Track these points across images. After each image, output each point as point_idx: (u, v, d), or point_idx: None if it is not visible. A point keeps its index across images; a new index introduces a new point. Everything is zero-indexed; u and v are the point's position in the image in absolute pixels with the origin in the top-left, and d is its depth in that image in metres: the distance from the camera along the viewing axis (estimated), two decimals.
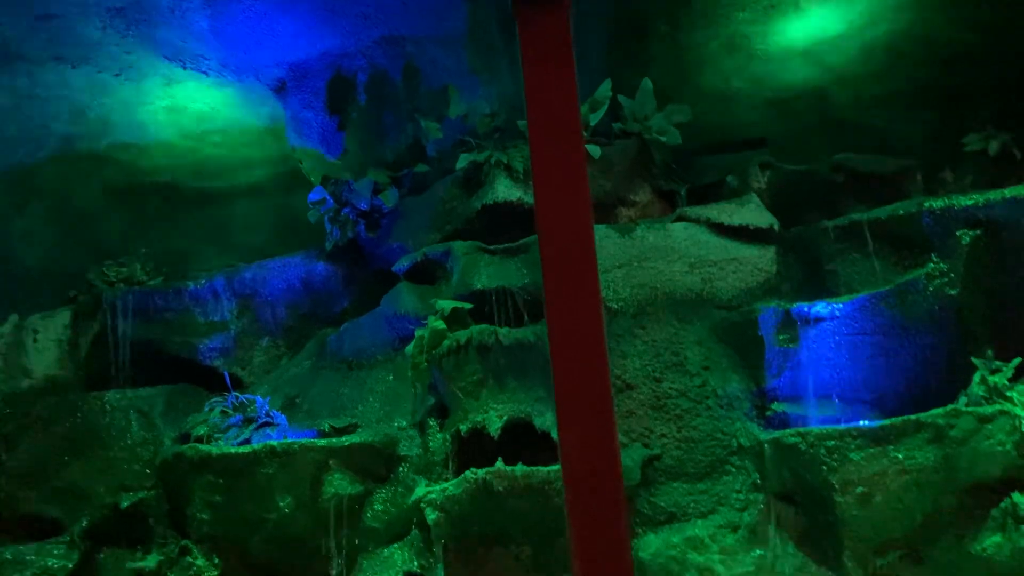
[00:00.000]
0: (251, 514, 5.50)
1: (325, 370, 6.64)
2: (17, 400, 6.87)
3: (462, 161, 6.41)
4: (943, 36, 6.70)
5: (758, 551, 5.03)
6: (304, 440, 5.55)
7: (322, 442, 5.52)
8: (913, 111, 7.53)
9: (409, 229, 6.67)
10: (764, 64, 6.94)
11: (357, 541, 5.46)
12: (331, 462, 5.47)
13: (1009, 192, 5.34)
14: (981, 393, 4.90)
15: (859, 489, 4.85)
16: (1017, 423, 4.72)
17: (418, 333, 5.73)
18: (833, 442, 4.93)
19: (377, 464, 5.58)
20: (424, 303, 6.15)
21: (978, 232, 5.32)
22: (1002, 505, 4.78)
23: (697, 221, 6.18)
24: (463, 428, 5.36)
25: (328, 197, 6.80)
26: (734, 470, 5.28)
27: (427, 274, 6.38)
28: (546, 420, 5.43)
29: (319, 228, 7.90)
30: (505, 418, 5.30)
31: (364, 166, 7.26)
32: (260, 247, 8.26)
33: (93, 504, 6.11)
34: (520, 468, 5.14)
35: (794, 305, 5.45)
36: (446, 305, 5.57)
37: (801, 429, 5.07)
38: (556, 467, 5.20)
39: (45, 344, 7.29)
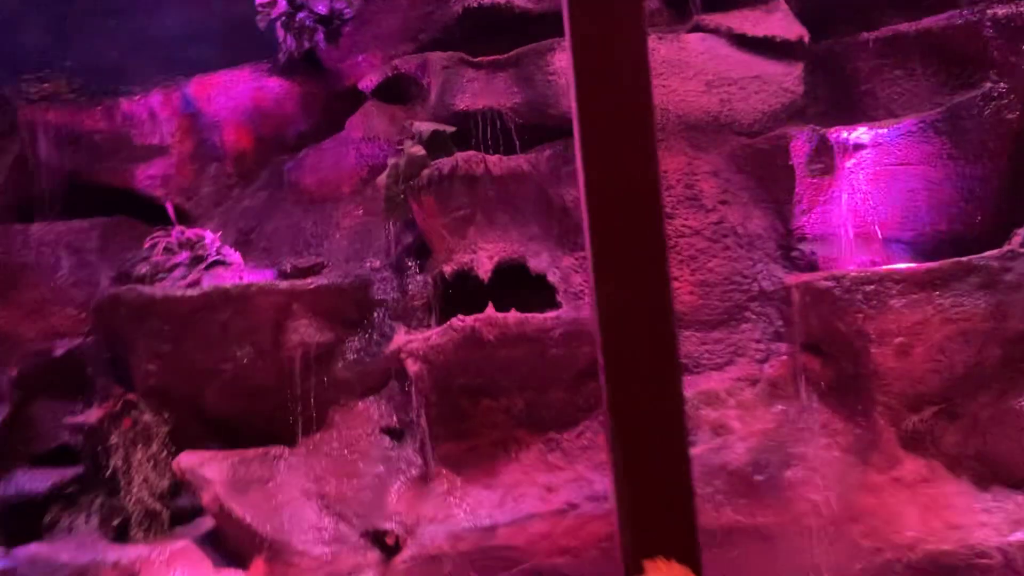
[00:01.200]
0: (204, 364, 4.84)
1: (284, 203, 5.83)
2: None
3: None
4: None
5: (779, 406, 4.52)
6: (263, 282, 4.81)
7: (283, 284, 4.79)
8: None
9: (377, 38, 5.69)
10: None
11: (328, 394, 4.84)
12: (295, 306, 4.77)
13: None
14: None
15: (898, 339, 4.29)
16: None
17: (391, 161, 4.92)
18: (872, 287, 4.33)
19: (348, 309, 4.90)
20: (397, 126, 5.30)
21: None
22: None
23: (716, 31, 5.31)
24: (447, 270, 4.65)
25: None
26: (754, 317, 4.69)
27: (400, 92, 5.48)
28: (541, 261, 4.75)
29: (271, 37, 6.85)
30: (496, 259, 4.60)
31: None
32: (206, 62, 7.19)
33: (22, 351, 5.39)
34: (513, 315, 4.49)
35: (831, 130, 4.70)
36: (424, 128, 4.73)
37: (836, 272, 4.46)
38: (552, 313, 4.56)
39: None
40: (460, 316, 4.48)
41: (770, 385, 4.56)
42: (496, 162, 4.61)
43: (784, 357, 4.61)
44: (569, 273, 4.82)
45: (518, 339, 4.53)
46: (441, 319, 4.73)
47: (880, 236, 4.77)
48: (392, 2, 5.71)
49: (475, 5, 5.26)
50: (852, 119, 5.09)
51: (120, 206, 6.02)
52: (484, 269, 4.57)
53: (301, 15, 5.87)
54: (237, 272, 5.23)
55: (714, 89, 5.18)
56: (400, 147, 5.08)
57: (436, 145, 4.72)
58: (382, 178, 4.94)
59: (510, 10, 5.31)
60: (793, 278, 4.64)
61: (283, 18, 5.86)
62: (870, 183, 4.74)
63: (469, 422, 4.66)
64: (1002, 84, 4.71)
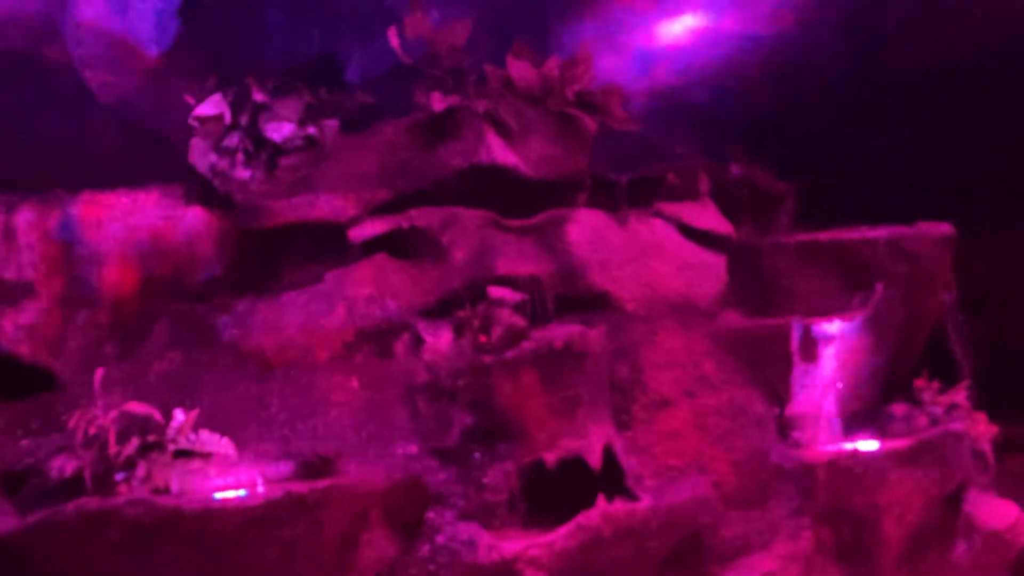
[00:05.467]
0: None
1: (217, 369, 4.51)
2: None
3: (438, 102, 4.91)
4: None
5: None
6: (344, 484, 3.67)
7: (362, 486, 3.71)
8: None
9: (343, 179, 4.88)
10: None
11: None
12: (372, 514, 3.71)
13: None
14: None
15: (897, 509, 4.96)
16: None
17: (452, 328, 4.24)
18: (878, 463, 4.97)
19: (417, 510, 3.96)
20: (415, 285, 4.57)
21: None
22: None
23: (669, 219, 5.70)
24: (550, 458, 4.10)
25: (227, 112, 4.60)
26: (777, 495, 4.97)
27: (399, 246, 4.75)
28: (616, 444, 4.47)
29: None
30: (602, 443, 4.21)
31: (202, 77, 5.11)
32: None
33: None
34: (621, 507, 4.15)
35: (813, 321, 5.34)
36: (507, 296, 4.21)
37: (850, 451, 5.01)
38: (648, 504, 4.32)
39: None
40: (585, 513, 3.97)
41: (806, 561, 4.85)
42: (595, 337, 4.28)
43: (807, 531, 4.94)
44: (626, 454, 4.61)
45: (626, 534, 4.17)
46: (528, 515, 4.13)
47: (836, 415, 5.48)
48: (363, 142, 5.00)
49: (487, 163, 4.90)
50: (771, 310, 5.82)
51: None
52: (596, 456, 4.15)
53: (233, 137, 4.77)
54: (226, 466, 3.87)
55: (682, 273, 5.54)
56: (425, 314, 4.42)
57: (521, 315, 4.22)
58: (438, 349, 4.20)
59: (514, 174, 5.06)
60: (811, 456, 5.06)
61: (216, 138, 4.68)
62: (836, 368, 5.45)
63: None
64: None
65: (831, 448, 5.11)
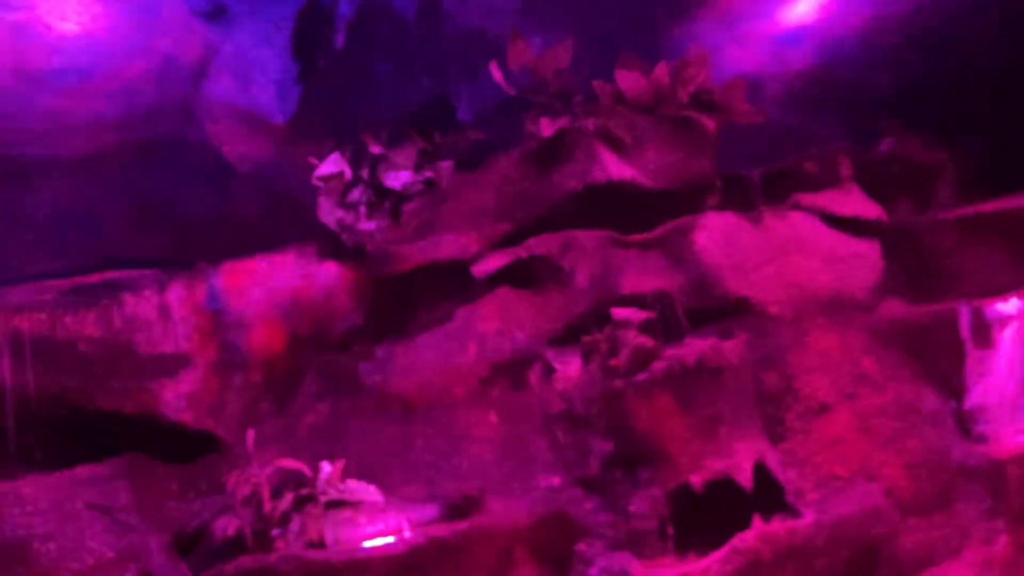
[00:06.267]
0: None
1: (362, 415, 4.64)
2: None
3: (546, 127, 4.86)
4: None
5: None
6: (485, 525, 3.67)
7: (507, 524, 3.69)
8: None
9: (467, 216, 4.92)
10: None
11: None
12: (517, 552, 3.67)
13: None
14: None
15: None
16: None
17: (581, 355, 4.15)
18: None
19: (564, 543, 3.89)
20: (540, 314, 4.53)
21: None
22: None
23: (810, 211, 5.36)
24: (696, 480, 3.92)
25: (347, 168, 4.76)
26: (964, 496, 4.53)
27: (521, 276, 4.73)
28: (769, 459, 4.22)
29: (198, 221, 5.74)
30: (751, 460, 3.99)
31: (327, 134, 5.29)
32: (95, 244, 5.77)
33: None
34: (781, 526, 3.89)
35: (985, 302, 4.86)
36: (631, 316, 4.07)
37: None
38: (810, 520, 4.03)
39: None
40: (739, 536, 3.76)
41: (1005, 567, 4.38)
42: (732, 349, 4.07)
43: (1003, 535, 4.47)
44: (783, 468, 4.34)
45: (788, 554, 3.91)
46: (680, 542, 3.95)
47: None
48: (479, 177, 5.03)
49: (602, 182, 4.79)
50: (937, 294, 5.33)
51: (110, 438, 4.36)
52: (746, 475, 3.93)
53: (356, 191, 4.91)
54: (374, 512, 3.95)
55: (830, 266, 5.19)
56: (555, 345, 4.35)
57: (648, 334, 4.08)
58: (569, 377, 4.12)
59: (632, 188, 4.92)
60: (999, 451, 4.60)
61: (340, 193, 4.84)
62: (1017, 351, 4.93)
63: None
64: None
65: (1021, 440, 4.61)
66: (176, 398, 4.35)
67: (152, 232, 5.88)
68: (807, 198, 5.37)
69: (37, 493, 3.88)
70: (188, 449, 4.39)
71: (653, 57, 5.41)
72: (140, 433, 4.28)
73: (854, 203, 5.48)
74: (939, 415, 4.73)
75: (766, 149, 5.98)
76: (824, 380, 4.68)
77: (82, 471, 4.01)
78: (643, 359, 3.95)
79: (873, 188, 5.67)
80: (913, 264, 5.50)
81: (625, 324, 4.06)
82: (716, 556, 3.75)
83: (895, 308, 5.23)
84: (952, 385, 4.80)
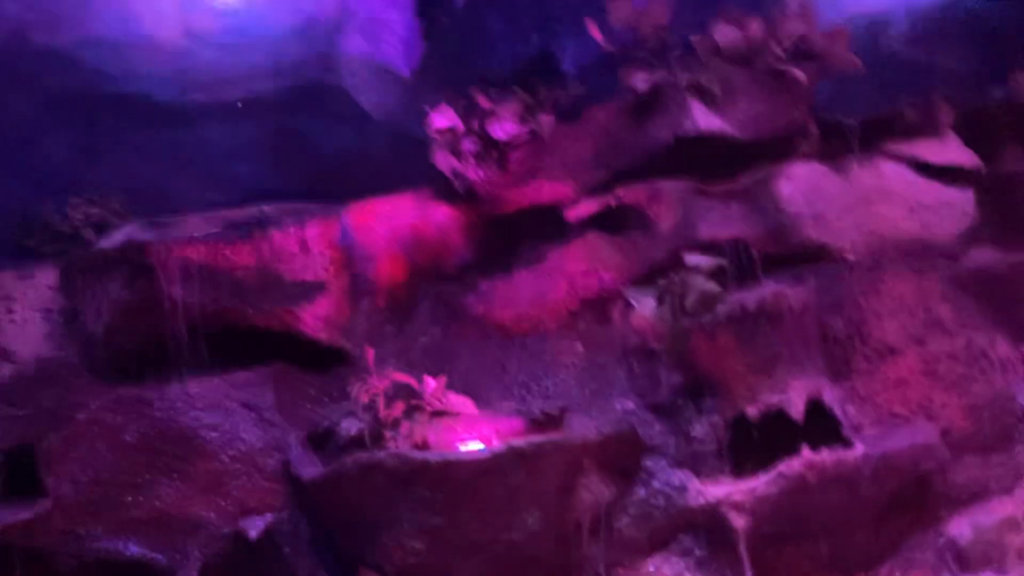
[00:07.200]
0: (483, 537, 4.21)
1: (468, 339, 5.31)
2: (17, 394, 4.91)
3: (641, 82, 5.25)
4: None
5: None
6: (558, 438, 4.31)
7: (577, 438, 4.31)
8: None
9: (566, 165, 5.41)
10: None
11: (612, 556, 4.36)
12: (585, 462, 4.29)
13: None
14: None
15: None
16: None
17: (655, 295, 4.63)
18: None
19: (632, 459, 4.48)
20: (628, 257, 5.02)
21: None
22: None
23: (900, 159, 5.52)
24: (752, 411, 4.39)
25: (458, 122, 5.34)
26: None
27: (610, 222, 5.21)
28: (827, 395, 4.60)
29: (336, 160, 6.37)
30: (804, 396, 4.40)
31: (447, 87, 5.83)
32: (251, 179, 6.55)
33: (204, 535, 4.46)
34: (829, 455, 4.30)
35: None
36: (703, 262, 4.51)
37: None
38: (860, 452, 4.42)
39: (27, 315, 5.29)
40: (787, 461, 4.22)
41: None
42: (795, 295, 4.46)
43: None
44: (843, 404, 4.71)
45: (835, 481, 4.34)
46: (737, 464, 4.45)
47: None
48: (578, 129, 5.48)
49: (691, 134, 5.16)
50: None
51: (259, 349, 5.22)
52: (797, 409, 4.36)
53: (468, 141, 5.48)
54: (470, 422, 4.65)
55: (915, 214, 5.37)
56: (632, 283, 4.83)
57: (716, 279, 4.51)
58: (645, 315, 4.63)
59: (720, 139, 5.25)
60: None
61: (451, 144, 5.44)
62: None
63: (775, 571, 4.37)
64: None
65: None
66: (314, 319, 5.15)
67: (299, 169, 6.68)
68: (899, 146, 5.54)
69: (203, 392, 4.79)
70: (323, 361, 5.20)
71: (766, 5, 5.65)
72: (284, 346, 5.11)
73: (948, 151, 5.59)
74: (1011, 362, 4.94)
75: (892, 88, 6.11)
76: (895, 324, 4.96)
77: (237, 376, 4.89)
78: (709, 302, 4.40)
79: (982, 136, 5.74)
80: (1010, 214, 5.59)
81: (695, 269, 4.51)
82: (764, 478, 4.23)
83: (982, 256, 5.38)
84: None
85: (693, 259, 4.56)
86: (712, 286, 4.40)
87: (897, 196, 5.38)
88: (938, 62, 6.73)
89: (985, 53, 6.56)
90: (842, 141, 5.70)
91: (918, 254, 5.24)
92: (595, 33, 5.33)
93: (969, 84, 6.34)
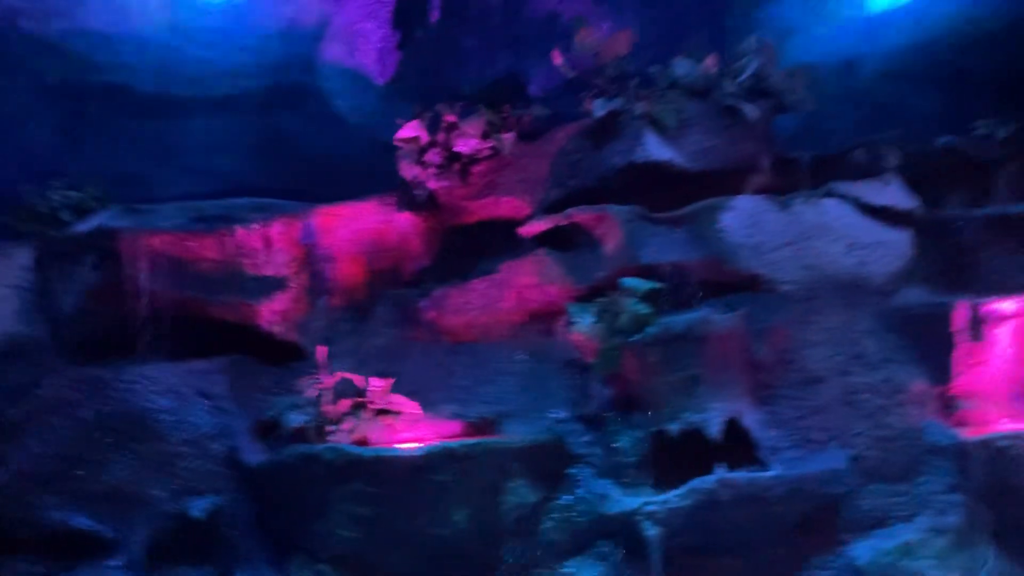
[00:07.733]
0: (412, 530, 4.48)
1: (418, 343, 5.57)
2: None
3: (599, 108, 5.52)
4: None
5: (965, 556, 4.87)
6: (489, 441, 4.58)
7: (507, 442, 4.58)
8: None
9: (523, 181, 5.69)
10: None
11: (534, 557, 4.63)
12: (514, 465, 4.56)
13: None
14: None
15: None
16: None
17: (593, 313, 4.91)
18: None
19: (558, 466, 4.75)
20: (574, 274, 5.29)
21: None
22: None
23: (845, 198, 5.79)
24: (674, 428, 4.66)
25: (423, 134, 5.61)
26: (930, 470, 5.05)
27: (561, 239, 5.49)
28: (746, 418, 4.88)
29: (311, 158, 6.64)
30: (723, 417, 4.68)
31: (418, 97, 6.10)
32: (228, 172, 6.80)
33: (151, 512, 4.72)
34: (743, 475, 4.58)
35: (983, 302, 5.25)
36: (638, 285, 4.78)
37: (1010, 432, 4.93)
38: (773, 473, 4.70)
39: (1, 291, 5.53)
40: (701, 478, 4.50)
41: (956, 535, 4.91)
42: (721, 321, 4.73)
43: (959, 508, 4.98)
44: (764, 427, 4.98)
45: (748, 500, 4.61)
46: (658, 478, 4.72)
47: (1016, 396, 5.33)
48: (537, 148, 5.76)
49: (641, 161, 5.43)
50: (956, 286, 5.69)
51: (220, 341, 5.48)
52: (715, 428, 4.63)
53: (431, 152, 5.75)
54: (411, 422, 4.92)
55: (852, 251, 5.64)
56: (577, 299, 5.10)
57: (650, 301, 4.79)
58: (582, 330, 4.90)
59: (669, 168, 5.52)
60: (969, 435, 5.07)
61: (415, 154, 5.70)
62: (1010, 346, 5.31)
63: None
64: None
65: (996, 428, 5.07)
66: (271, 314, 5.42)
67: (275, 165, 6.93)
68: (843, 186, 5.81)
69: (161, 377, 5.05)
70: (279, 355, 5.46)
71: (736, 38, 5.92)
72: (242, 338, 5.37)
73: (890, 193, 5.86)
74: (926, 397, 5.22)
75: (864, 126, 6.38)
76: (821, 354, 5.23)
77: (195, 364, 5.16)
78: (639, 323, 4.67)
79: (927, 179, 6.03)
80: (944, 256, 5.88)
81: (630, 291, 4.78)
82: (676, 492, 4.51)
83: (912, 295, 5.66)
84: (947, 372, 5.27)
85: (629, 282, 4.83)
86: (644, 308, 4.68)
87: (837, 233, 5.63)
88: (910, 103, 7.00)
89: (955, 97, 6.84)
90: (794, 177, 6.00)
91: (852, 289, 5.50)
92: (557, 60, 5.60)
93: (932, 127, 6.62)
